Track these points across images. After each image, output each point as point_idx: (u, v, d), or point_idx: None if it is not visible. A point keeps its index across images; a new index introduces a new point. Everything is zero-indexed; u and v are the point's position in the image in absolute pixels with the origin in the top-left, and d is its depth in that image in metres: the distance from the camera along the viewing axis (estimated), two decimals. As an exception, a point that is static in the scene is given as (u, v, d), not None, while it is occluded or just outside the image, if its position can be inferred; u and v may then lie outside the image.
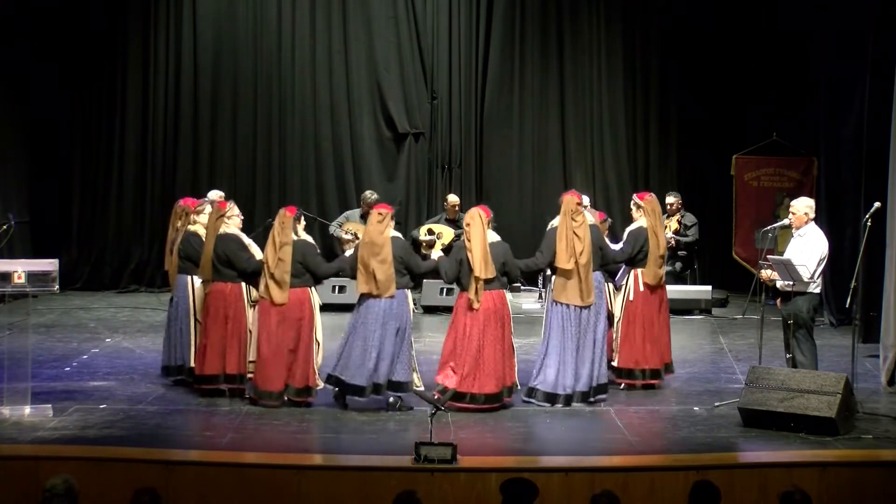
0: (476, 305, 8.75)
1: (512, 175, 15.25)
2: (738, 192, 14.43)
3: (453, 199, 14.06)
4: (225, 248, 9.16)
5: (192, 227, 9.60)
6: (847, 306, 9.82)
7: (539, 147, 15.23)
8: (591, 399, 9.09)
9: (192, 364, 9.34)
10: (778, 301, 9.16)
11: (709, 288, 13.35)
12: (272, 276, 8.87)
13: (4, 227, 11.51)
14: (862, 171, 11.51)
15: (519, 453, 7.94)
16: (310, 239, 9.28)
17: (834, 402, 8.08)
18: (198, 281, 9.42)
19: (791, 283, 8.90)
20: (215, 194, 13.04)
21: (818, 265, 8.87)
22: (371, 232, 8.90)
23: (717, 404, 9.03)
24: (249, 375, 9.18)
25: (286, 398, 8.93)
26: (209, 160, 15.17)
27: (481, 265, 8.73)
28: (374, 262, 8.78)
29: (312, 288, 9.05)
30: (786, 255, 9.02)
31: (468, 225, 8.91)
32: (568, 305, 9.05)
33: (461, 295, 8.95)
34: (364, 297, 8.87)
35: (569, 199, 9.26)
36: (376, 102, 15.21)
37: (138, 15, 15.07)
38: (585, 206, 13.19)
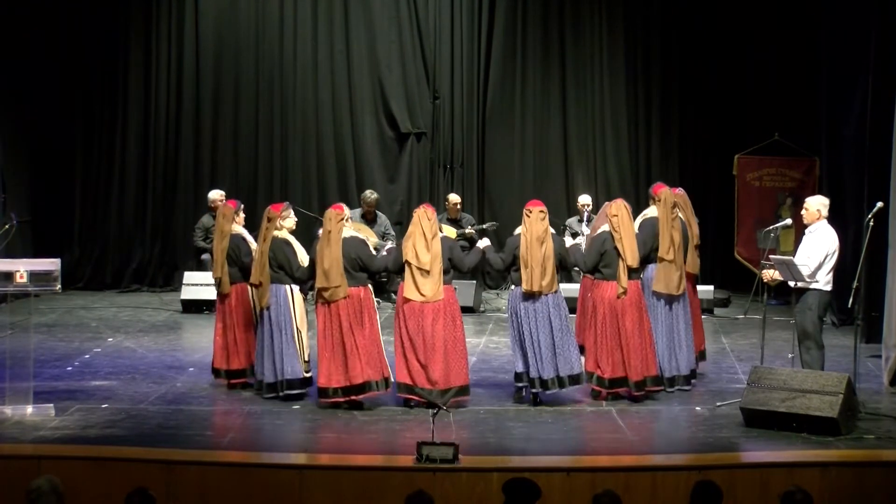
0: (619, 293, 8.96)
1: (514, 175, 15.25)
2: (740, 191, 14.41)
3: (454, 198, 14.06)
4: (358, 252, 8.94)
5: (279, 234, 9.20)
6: (849, 306, 9.80)
7: (541, 147, 15.23)
8: (693, 382, 9.54)
9: (304, 374, 9.12)
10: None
11: (711, 288, 13.33)
12: (424, 272, 8.77)
13: (6, 226, 11.51)
14: (864, 170, 11.50)
15: (520, 453, 7.92)
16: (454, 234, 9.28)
17: (836, 402, 8.07)
18: (296, 289, 9.17)
19: (794, 281, 8.89)
20: (216, 194, 13.12)
21: (823, 262, 8.83)
22: (535, 230, 8.90)
23: (718, 404, 9.02)
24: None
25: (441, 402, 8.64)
26: (211, 160, 15.17)
27: (632, 254, 8.96)
28: (541, 259, 8.83)
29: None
30: (797, 252, 9.02)
31: (615, 216, 9.07)
32: (663, 295, 9.37)
33: (598, 284, 9.11)
34: (529, 294, 8.89)
35: (668, 192, 9.51)
36: (378, 102, 15.21)
37: (139, 14, 15.08)
38: (587, 206, 13.31)
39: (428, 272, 8.81)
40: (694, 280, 10.05)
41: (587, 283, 9.90)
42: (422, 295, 8.82)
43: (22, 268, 8.72)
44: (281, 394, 9.11)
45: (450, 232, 13.27)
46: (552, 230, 9.10)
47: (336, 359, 8.83)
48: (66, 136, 15.09)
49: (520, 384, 9.11)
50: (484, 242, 9.46)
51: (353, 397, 8.85)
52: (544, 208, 9.07)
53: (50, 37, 14.71)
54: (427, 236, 8.88)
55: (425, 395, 8.80)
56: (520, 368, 9.06)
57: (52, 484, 5.59)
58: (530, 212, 9.01)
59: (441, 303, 8.85)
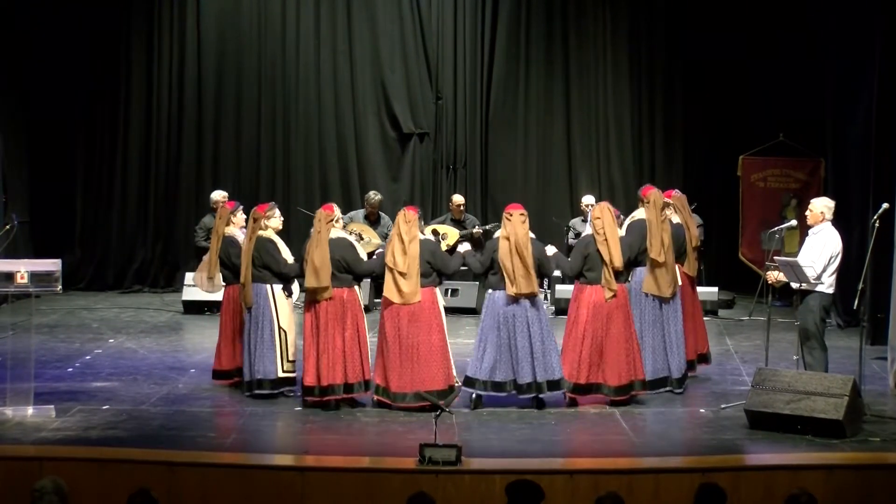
0: (609, 296, 8.88)
1: (517, 175, 15.22)
2: (745, 192, 14.39)
3: (458, 199, 14.02)
4: (343, 254, 8.92)
5: (263, 233, 9.24)
6: (854, 308, 9.78)
7: (544, 147, 15.20)
8: (683, 388, 9.43)
9: (281, 374, 9.08)
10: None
11: (715, 289, 13.29)
12: (402, 274, 8.73)
13: (7, 227, 11.49)
14: (869, 171, 11.47)
15: (523, 455, 7.89)
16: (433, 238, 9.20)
17: (841, 404, 8.03)
18: (278, 289, 9.19)
19: (798, 283, 8.86)
20: (219, 195, 13.09)
21: (828, 264, 8.80)
22: (518, 233, 8.84)
23: (723, 406, 8.99)
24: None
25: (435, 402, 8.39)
26: (213, 160, 15.15)
27: (617, 257, 8.89)
28: (522, 263, 8.76)
29: (437, 288, 8.98)
30: (800, 253, 8.99)
31: (598, 219, 9.02)
32: (654, 297, 9.33)
33: (583, 288, 9.03)
34: (509, 298, 8.80)
35: (658, 195, 9.45)
36: (381, 102, 15.19)
37: (141, 14, 15.06)
38: (590, 206, 13.27)
39: (404, 274, 8.77)
40: (693, 283, 9.96)
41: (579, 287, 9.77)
42: (399, 296, 8.79)
43: (23, 268, 8.71)
44: (254, 392, 9.12)
45: (453, 234, 13.30)
46: (532, 234, 9.01)
47: (319, 359, 8.82)
48: (67, 136, 15.06)
49: (470, 389, 8.92)
50: (464, 247, 9.44)
51: (330, 398, 8.83)
52: (524, 211, 8.99)
53: (50, 36, 14.67)
54: (404, 239, 8.84)
55: (398, 400, 8.77)
56: (471, 373, 8.91)
57: (56, 484, 5.57)
58: (510, 215, 8.93)
59: (417, 305, 8.79)
